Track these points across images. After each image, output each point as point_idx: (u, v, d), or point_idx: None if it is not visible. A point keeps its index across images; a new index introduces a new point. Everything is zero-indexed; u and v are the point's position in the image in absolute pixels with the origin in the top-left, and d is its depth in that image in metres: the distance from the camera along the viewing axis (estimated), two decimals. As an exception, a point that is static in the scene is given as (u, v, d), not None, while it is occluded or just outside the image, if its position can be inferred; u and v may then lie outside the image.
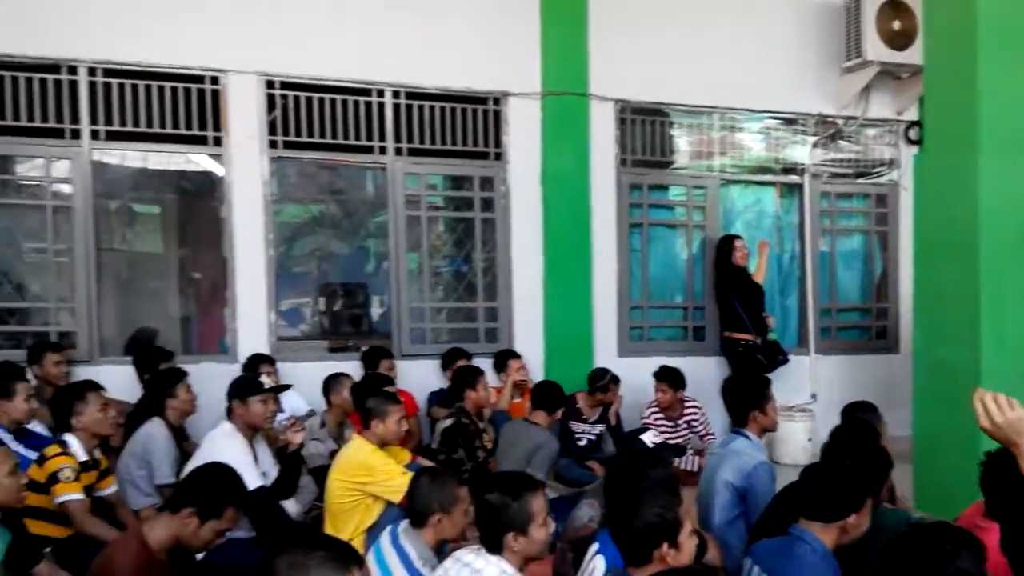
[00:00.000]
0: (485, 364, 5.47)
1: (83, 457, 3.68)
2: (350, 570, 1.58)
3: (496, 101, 5.90)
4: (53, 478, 3.53)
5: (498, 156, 5.94)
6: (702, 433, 5.48)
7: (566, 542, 3.09)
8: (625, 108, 6.17)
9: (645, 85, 6.14)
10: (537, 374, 5.78)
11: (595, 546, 2.60)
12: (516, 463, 4.23)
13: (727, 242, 6.23)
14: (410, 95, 5.70)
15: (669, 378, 5.38)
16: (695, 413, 5.52)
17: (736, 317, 6.08)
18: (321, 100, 5.53)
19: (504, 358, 5.59)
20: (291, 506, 3.89)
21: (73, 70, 5.08)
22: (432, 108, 5.77)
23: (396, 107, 5.69)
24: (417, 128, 5.74)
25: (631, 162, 6.26)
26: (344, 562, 1.59)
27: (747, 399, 3.47)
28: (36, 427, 4.17)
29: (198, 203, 6.50)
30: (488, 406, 4.97)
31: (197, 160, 5.86)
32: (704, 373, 6.01)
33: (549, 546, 2.59)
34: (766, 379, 3.66)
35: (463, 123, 5.85)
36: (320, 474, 4.04)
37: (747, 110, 6.49)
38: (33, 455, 3.69)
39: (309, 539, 1.66)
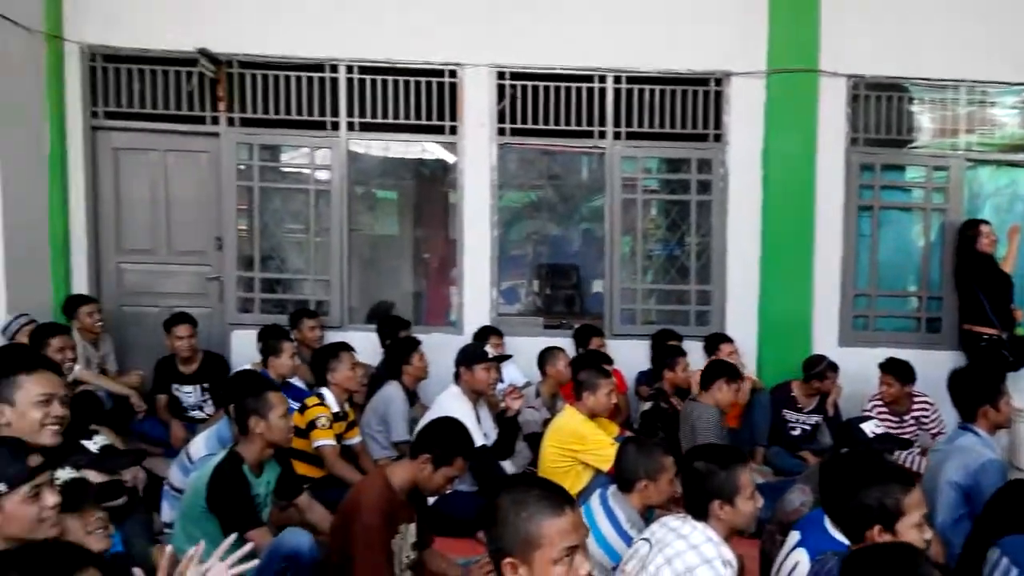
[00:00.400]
0: (695, 347, 5.47)
1: (336, 408, 4.22)
2: (563, 509, 1.72)
3: (718, 82, 5.81)
4: (311, 425, 4.08)
5: (717, 138, 5.86)
6: (934, 431, 5.08)
7: (775, 524, 3.08)
8: (858, 84, 5.80)
9: (881, 59, 5.72)
10: (750, 360, 5.67)
11: (796, 535, 2.51)
12: (687, 441, 4.24)
13: (972, 227, 5.67)
14: (630, 79, 5.77)
15: (896, 371, 5.04)
16: (926, 409, 5.13)
17: (979, 309, 5.54)
18: (546, 88, 5.76)
19: (715, 342, 5.54)
20: (507, 467, 4.19)
21: (334, 68, 5.70)
22: (652, 91, 5.80)
23: (616, 92, 5.79)
24: (636, 112, 5.80)
25: (863, 141, 5.89)
26: (559, 501, 1.74)
27: (977, 393, 3.23)
28: (296, 382, 4.81)
29: (430, 188, 7.08)
30: (685, 386, 4.97)
31: (431, 148, 6.39)
32: (938, 368, 5.46)
33: (755, 523, 2.61)
34: (1000, 372, 3.37)
35: (682, 105, 5.83)
36: (534, 440, 4.31)
37: (1000, 83, 5.85)
38: (295, 405, 4.29)
39: (528, 480, 1.84)
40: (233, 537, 2.05)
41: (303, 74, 5.70)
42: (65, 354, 4.18)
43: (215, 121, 5.72)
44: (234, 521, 2.89)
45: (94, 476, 2.45)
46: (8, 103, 5.04)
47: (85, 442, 2.62)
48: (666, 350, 5.28)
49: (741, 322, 5.82)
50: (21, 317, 4.94)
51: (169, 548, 2.25)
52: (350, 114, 5.76)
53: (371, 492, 2.90)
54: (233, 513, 2.95)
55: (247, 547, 1.97)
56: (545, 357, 4.98)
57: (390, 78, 5.73)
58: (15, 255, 5.13)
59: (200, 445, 3.65)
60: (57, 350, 4.13)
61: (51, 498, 2.01)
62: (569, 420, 3.95)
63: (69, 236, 5.68)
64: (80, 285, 5.72)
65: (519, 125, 5.80)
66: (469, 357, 4.23)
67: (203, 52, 5.39)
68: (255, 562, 1.96)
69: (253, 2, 5.60)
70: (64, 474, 2.17)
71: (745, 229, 5.81)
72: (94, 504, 2.24)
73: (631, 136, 5.86)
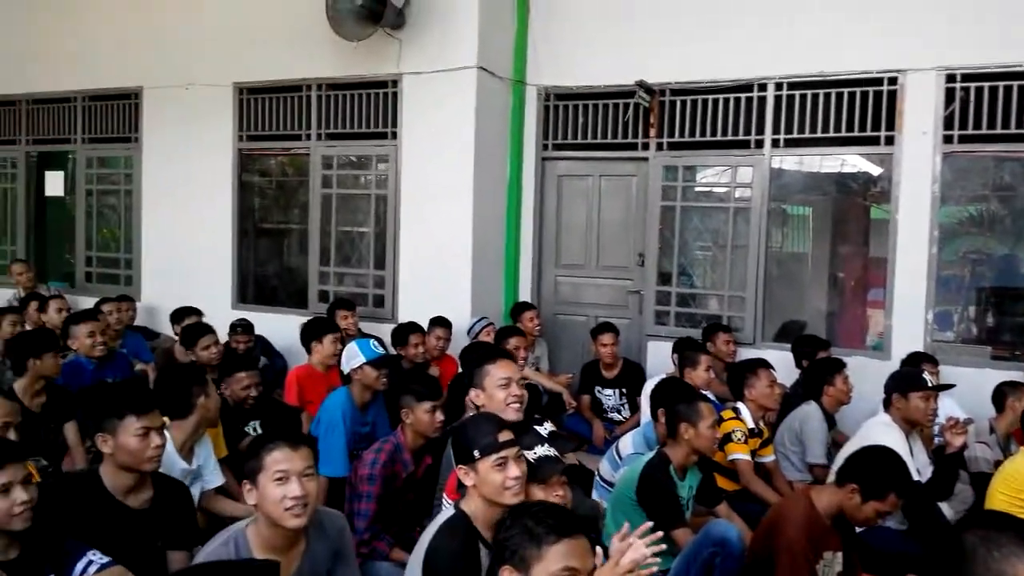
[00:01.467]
0: None
1: (751, 424, 4.25)
2: None
3: None
4: (727, 438, 4.16)
5: None
6: None
7: None
8: None
9: None
10: None
11: None
12: None
13: None
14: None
15: None
16: None
17: None
18: (1007, 88, 5.10)
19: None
20: (944, 509, 3.81)
21: (762, 87, 5.76)
22: None
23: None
24: None
25: None
26: None
27: None
28: (709, 394, 4.92)
29: (849, 203, 6.69)
30: None
31: (853, 161, 6.05)
32: None
33: None
34: None
35: None
36: (980, 481, 3.84)
37: None
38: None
39: (998, 520, 1.69)
40: (650, 524, 2.18)
41: (730, 95, 5.86)
42: (519, 352, 4.91)
43: (645, 147, 6.18)
44: (660, 516, 3.11)
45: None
46: (483, 141, 6.07)
47: (536, 426, 3.07)
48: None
49: None
50: (482, 320, 5.91)
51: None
52: (775, 131, 5.76)
53: (795, 510, 2.90)
54: (660, 509, 3.19)
55: (658, 533, 2.08)
56: (1005, 391, 4.45)
57: (820, 91, 5.60)
58: (479, 267, 6.15)
59: (628, 443, 4.00)
60: (513, 348, 4.88)
61: (515, 470, 2.40)
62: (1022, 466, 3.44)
63: (519, 251, 6.62)
64: (524, 294, 6.63)
65: (970, 131, 5.21)
66: (905, 383, 3.91)
67: (640, 84, 5.90)
68: (662, 546, 2.09)
69: (685, 34, 5.92)
70: (542, 450, 2.59)
71: None
72: (560, 476, 2.62)
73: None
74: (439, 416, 3.46)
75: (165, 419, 2.85)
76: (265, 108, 6.89)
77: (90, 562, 2.31)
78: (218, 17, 6.93)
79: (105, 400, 2.72)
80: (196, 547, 2.72)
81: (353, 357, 4.11)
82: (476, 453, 2.39)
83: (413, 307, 6.10)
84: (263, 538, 2.26)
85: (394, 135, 6.33)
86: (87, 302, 6.75)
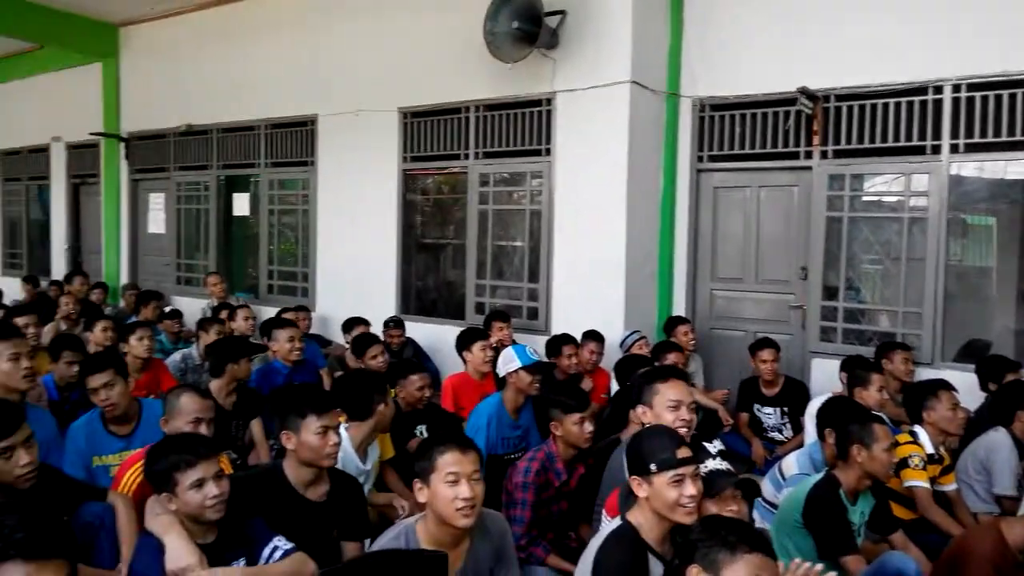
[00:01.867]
0: None
1: (930, 449, 3.97)
2: None
3: None
4: (903, 463, 3.89)
5: None
6: None
7: None
8: None
9: None
10: None
11: None
12: None
13: None
14: None
15: None
16: None
17: None
18: None
19: None
20: None
21: (938, 90, 5.40)
22: None
23: None
24: None
25: None
26: None
27: None
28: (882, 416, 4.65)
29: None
30: None
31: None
32: None
33: None
34: None
35: None
36: None
37: None
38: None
39: None
40: (821, 566, 2.14)
41: (901, 99, 5.53)
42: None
43: (808, 155, 5.93)
44: (830, 543, 2.99)
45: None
46: (636, 154, 6.06)
47: (706, 443, 3.02)
48: None
49: None
50: (635, 333, 5.88)
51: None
52: (954, 135, 5.36)
53: (984, 544, 2.72)
54: (829, 535, 3.05)
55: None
56: None
57: (1004, 92, 5.17)
58: (632, 280, 6.13)
59: (792, 463, 3.84)
60: (671, 364, 4.82)
61: (692, 488, 2.37)
62: None
63: (672, 264, 6.54)
64: (679, 308, 6.53)
65: None
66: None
67: (802, 91, 5.67)
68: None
69: (853, 37, 5.66)
70: (713, 464, 2.55)
71: None
72: (733, 490, 2.57)
73: None
74: (588, 427, 3.48)
75: (342, 419, 3.06)
76: (427, 130, 7.24)
77: (275, 547, 2.54)
78: (385, 49, 7.39)
79: (289, 400, 2.95)
80: (367, 538, 2.90)
81: (509, 361, 4.26)
82: (652, 467, 2.39)
83: (566, 319, 6.17)
84: (431, 535, 2.37)
85: (548, 151, 6.45)
86: (269, 312, 7.36)
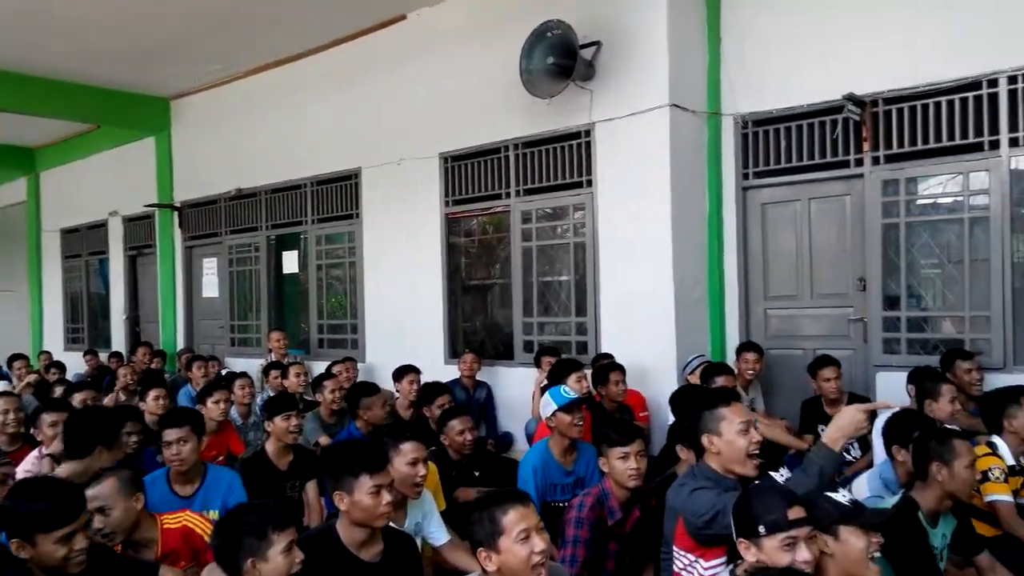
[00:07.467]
0: None
1: (1011, 460, 3.73)
2: None
3: None
4: (983, 476, 3.65)
5: None
6: None
7: None
8: None
9: None
10: None
11: None
12: None
13: None
14: None
15: None
16: None
17: None
18: None
19: None
20: None
21: (992, 83, 5.17)
22: None
23: None
24: None
25: None
26: None
27: None
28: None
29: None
30: None
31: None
32: None
33: None
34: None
35: None
36: None
37: None
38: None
39: None
40: None
41: (954, 96, 5.31)
42: (733, 393, 4.67)
43: (859, 163, 5.73)
44: (910, 570, 2.79)
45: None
46: (679, 177, 5.97)
47: (773, 472, 2.86)
48: None
49: None
50: (699, 357, 5.73)
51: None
52: (1012, 129, 5.11)
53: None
54: (909, 561, 2.86)
55: None
56: None
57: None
58: (682, 305, 5.99)
59: (863, 485, 3.63)
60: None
61: (806, 552, 2.22)
62: None
63: (723, 287, 6.37)
64: (732, 329, 6.34)
65: None
66: None
67: (849, 97, 5.49)
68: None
69: (896, 37, 5.48)
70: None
71: None
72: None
73: None
74: (632, 464, 3.28)
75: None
76: (467, 173, 7.29)
77: None
78: (422, 96, 7.50)
79: (341, 459, 2.85)
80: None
81: (546, 405, 4.12)
82: (761, 529, 2.25)
83: (618, 352, 6.03)
84: None
85: (589, 183, 6.40)
86: (320, 367, 7.41)
